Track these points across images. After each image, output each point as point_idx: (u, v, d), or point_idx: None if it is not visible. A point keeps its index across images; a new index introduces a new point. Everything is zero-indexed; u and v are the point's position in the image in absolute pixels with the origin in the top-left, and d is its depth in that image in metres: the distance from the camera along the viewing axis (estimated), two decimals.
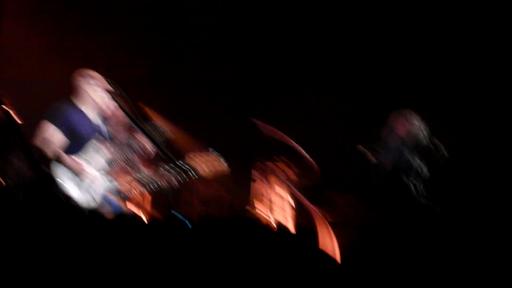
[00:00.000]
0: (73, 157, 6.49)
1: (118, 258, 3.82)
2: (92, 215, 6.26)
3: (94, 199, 6.64)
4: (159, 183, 7.32)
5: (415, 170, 8.08)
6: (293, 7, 10.42)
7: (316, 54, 10.49)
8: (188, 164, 7.29)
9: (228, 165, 8.35)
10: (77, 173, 6.52)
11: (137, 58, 10.24)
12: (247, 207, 8.56)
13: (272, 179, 7.93)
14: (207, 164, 7.52)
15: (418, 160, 8.15)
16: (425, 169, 8.13)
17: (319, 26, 10.44)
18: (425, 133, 8.21)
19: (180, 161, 7.16)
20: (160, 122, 7.14)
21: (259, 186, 8.51)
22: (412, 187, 8.04)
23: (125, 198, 7.12)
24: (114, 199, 7.03)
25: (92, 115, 6.74)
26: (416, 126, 8.17)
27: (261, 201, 8.47)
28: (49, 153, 6.25)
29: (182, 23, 10.46)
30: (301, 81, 10.72)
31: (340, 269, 5.05)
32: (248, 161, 9.34)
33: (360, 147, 8.48)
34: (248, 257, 4.07)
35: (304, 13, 10.45)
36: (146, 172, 7.36)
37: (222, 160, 7.48)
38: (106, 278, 3.76)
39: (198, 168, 7.52)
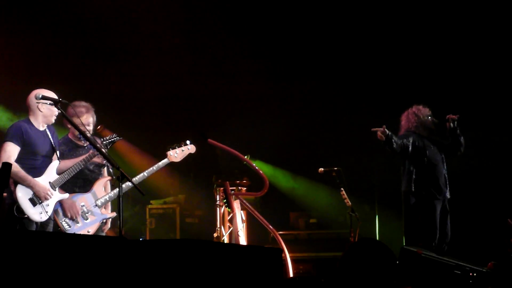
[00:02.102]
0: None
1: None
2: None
3: (47, 214, 6.63)
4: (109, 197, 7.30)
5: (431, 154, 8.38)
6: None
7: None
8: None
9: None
10: (34, 190, 6.51)
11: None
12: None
13: (232, 200, 7.95)
14: None
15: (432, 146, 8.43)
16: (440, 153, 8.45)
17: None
18: (434, 120, 8.47)
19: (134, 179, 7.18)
20: (112, 138, 7.16)
21: (221, 209, 8.57)
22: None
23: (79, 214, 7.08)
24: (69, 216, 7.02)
25: (48, 132, 6.75)
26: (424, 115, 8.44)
27: (224, 224, 8.52)
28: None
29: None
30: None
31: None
32: (207, 181, 9.37)
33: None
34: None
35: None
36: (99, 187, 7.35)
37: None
38: None
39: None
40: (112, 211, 7.33)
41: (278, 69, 11.30)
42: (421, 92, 10.10)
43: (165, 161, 7.43)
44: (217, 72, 11.28)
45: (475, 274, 6.63)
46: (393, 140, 8.17)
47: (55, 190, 6.72)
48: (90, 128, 7.31)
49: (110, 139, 7.15)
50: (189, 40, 10.94)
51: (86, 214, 7.09)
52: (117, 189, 6.92)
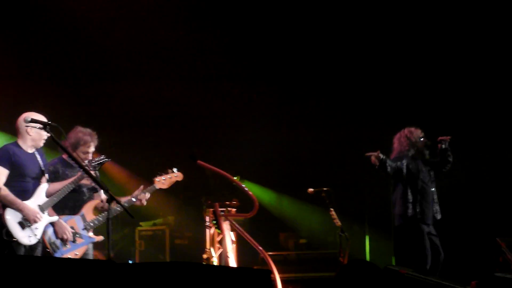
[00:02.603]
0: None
1: None
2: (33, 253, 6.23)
3: (36, 237, 6.61)
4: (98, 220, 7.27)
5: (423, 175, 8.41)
6: None
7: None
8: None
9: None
10: (24, 213, 6.49)
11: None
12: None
13: (221, 221, 7.96)
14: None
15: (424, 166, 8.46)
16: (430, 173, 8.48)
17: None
18: (426, 142, 8.50)
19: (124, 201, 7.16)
20: (100, 159, 7.13)
21: (210, 230, 8.57)
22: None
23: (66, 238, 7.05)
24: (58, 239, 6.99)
25: (36, 155, 6.74)
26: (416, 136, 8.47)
27: (213, 245, 8.51)
28: None
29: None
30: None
31: None
32: (197, 202, 9.34)
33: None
34: None
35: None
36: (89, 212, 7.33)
37: None
38: None
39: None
40: (101, 233, 7.31)
41: (267, 89, 11.35)
42: (414, 113, 10.16)
43: (152, 187, 7.44)
44: (205, 94, 11.32)
45: None
46: (387, 164, 8.18)
47: (44, 213, 6.70)
48: (90, 156, 7.29)
49: (98, 161, 7.11)
50: (179, 62, 10.98)
51: (75, 237, 7.07)
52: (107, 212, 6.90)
